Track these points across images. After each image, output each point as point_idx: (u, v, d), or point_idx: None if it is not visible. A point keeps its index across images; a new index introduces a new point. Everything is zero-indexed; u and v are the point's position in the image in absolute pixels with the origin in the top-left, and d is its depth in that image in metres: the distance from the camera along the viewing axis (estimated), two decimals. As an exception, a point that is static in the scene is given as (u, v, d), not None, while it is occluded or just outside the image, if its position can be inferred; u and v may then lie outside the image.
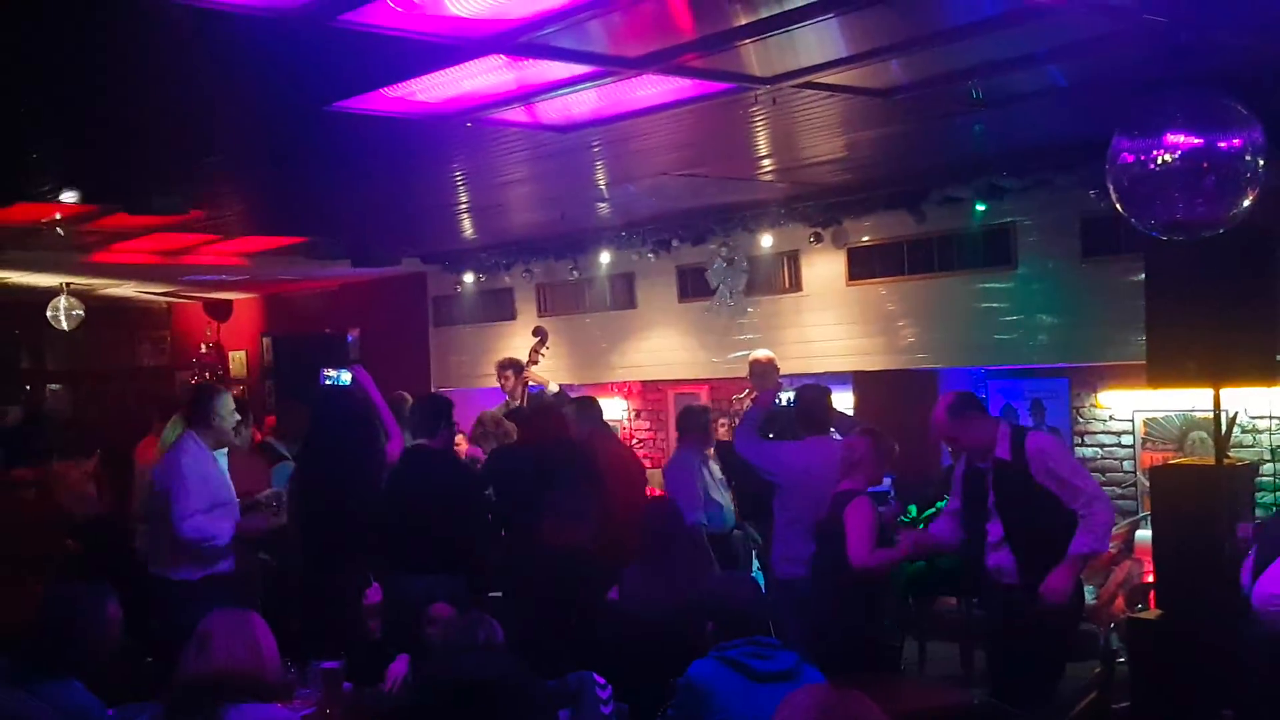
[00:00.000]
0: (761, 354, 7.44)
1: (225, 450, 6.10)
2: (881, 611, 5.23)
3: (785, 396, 6.70)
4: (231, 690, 3.17)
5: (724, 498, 6.97)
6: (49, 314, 10.90)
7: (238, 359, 13.85)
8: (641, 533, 5.33)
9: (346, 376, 6.07)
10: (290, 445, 7.11)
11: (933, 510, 6.73)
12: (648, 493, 7.21)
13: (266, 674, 3.29)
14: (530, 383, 8.42)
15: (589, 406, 7.11)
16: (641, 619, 4.85)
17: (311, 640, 4.91)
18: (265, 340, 13.44)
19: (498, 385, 8.61)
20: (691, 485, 6.74)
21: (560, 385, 8.65)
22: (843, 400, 8.09)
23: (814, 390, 6.21)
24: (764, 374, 7.20)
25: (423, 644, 4.50)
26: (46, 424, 10.01)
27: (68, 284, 10.81)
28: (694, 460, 6.90)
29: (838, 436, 6.06)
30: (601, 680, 4.10)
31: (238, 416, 6.12)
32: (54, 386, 13.77)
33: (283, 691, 3.50)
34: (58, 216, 7.43)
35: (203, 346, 13.95)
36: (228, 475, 5.94)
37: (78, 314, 10.93)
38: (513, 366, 8.42)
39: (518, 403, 8.23)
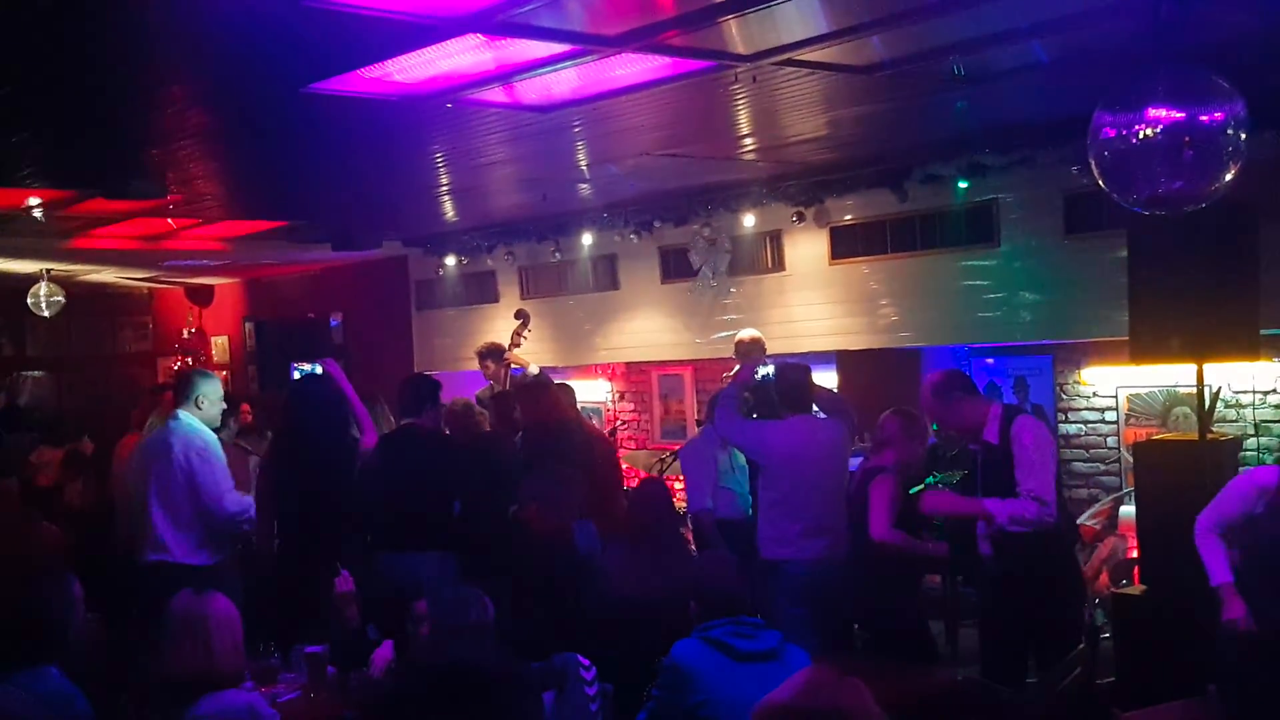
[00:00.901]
0: (747, 334, 7.42)
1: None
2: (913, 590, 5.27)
3: (763, 371, 6.64)
4: (185, 687, 3.26)
5: (739, 484, 6.74)
6: (29, 301, 10.83)
7: (220, 344, 13.79)
8: (630, 514, 5.32)
9: (318, 369, 6.05)
10: (260, 441, 7.14)
11: (919, 488, 6.72)
12: (621, 475, 7.22)
13: (218, 667, 3.37)
14: (512, 366, 8.40)
15: (567, 393, 7.12)
16: (626, 600, 4.85)
17: (292, 625, 4.90)
18: (248, 325, 13.38)
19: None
20: (705, 470, 6.56)
21: (540, 368, 8.62)
22: (826, 379, 8.09)
23: (794, 369, 6.18)
24: (749, 353, 7.17)
25: (408, 637, 4.48)
26: (25, 415, 9.97)
27: (48, 270, 10.73)
28: (712, 445, 6.68)
29: (820, 415, 6.04)
30: (585, 661, 4.10)
31: (223, 404, 6.12)
32: (35, 373, 13.69)
33: (237, 677, 3.53)
34: (36, 202, 7.36)
35: (185, 332, 13.87)
36: None
37: (58, 300, 10.86)
38: (492, 354, 8.37)
39: (501, 387, 8.21)
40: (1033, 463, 4.87)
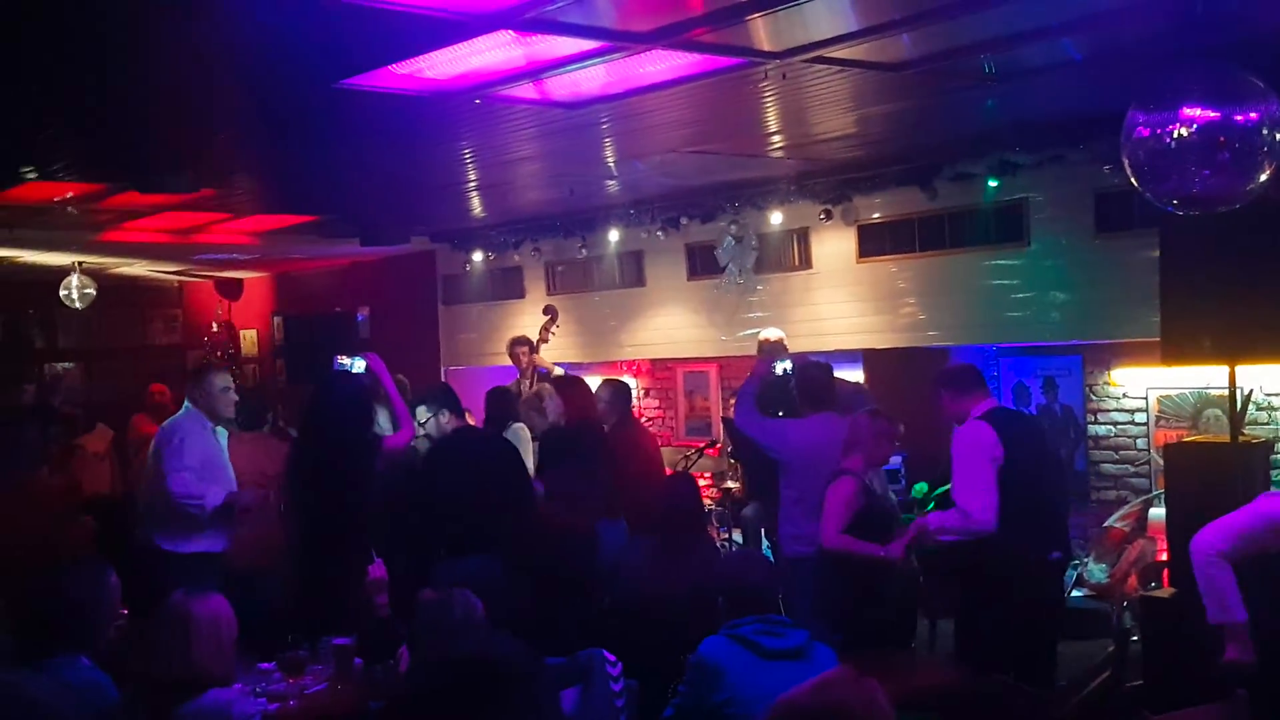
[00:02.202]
0: (771, 333, 7.41)
1: (225, 432, 6.31)
2: (882, 591, 5.22)
3: (781, 366, 6.62)
4: (168, 688, 3.29)
5: None
6: (61, 293, 10.92)
7: (249, 338, 13.87)
8: (660, 508, 5.31)
9: (360, 364, 6.06)
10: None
11: (946, 488, 6.70)
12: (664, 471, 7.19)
13: (199, 669, 3.41)
14: (538, 365, 8.42)
15: (617, 389, 7.11)
16: (653, 596, 4.85)
17: (319, 617, 4.92)
18: (276, 319, 13.46)
19: (507, 364, 8.61)
20: None
21: (564, 369, 8.62)
22: (853, 378, 8.06)
23: (816, 368, 6.16)
24: (773, 352, 7.16)
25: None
26: (53, 412, 10.11)
27: (79, 263, 10.82)
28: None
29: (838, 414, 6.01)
30: (612, 657, 4.09)
31: (233, 394, 6.22)
32: (66, 365, 13.82)
33: (224, 679, 3.54)
34: (69, 195, 7.43)
35: (214, 325, 13.96)
36: (226, 453, 6.18)
37: (89, 293, 10.95)
38: (527, 343, 8.44)
39: (527, 382, 8.23)
40: (959, 472, 5.09)
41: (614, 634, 4.38)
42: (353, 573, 5.33)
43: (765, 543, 7.31)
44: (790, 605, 5.23)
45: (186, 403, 6.19)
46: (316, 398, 6.18)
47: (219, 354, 13.28)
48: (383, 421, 6.33)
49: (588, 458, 6.02)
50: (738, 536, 7.94)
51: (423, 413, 6.24)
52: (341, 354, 6.13)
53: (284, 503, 5.92)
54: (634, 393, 10.49)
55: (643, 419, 10.29)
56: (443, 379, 10.64)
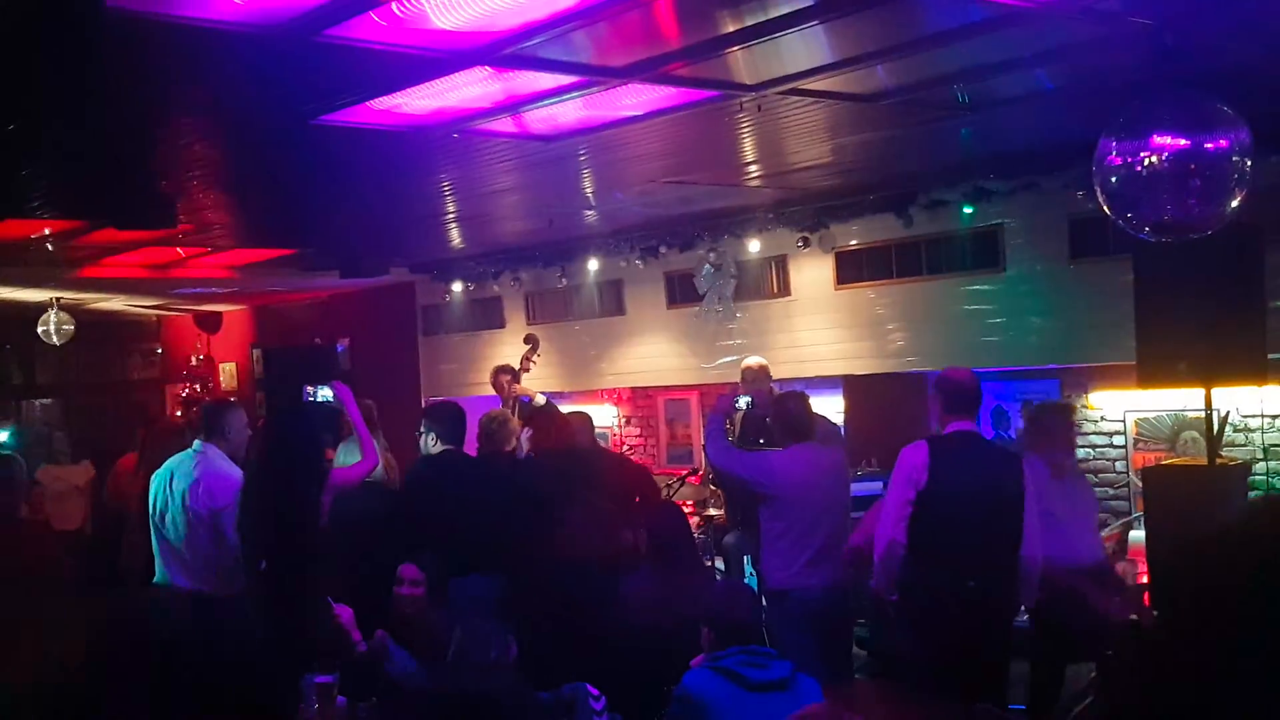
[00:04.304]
0: (754, 361, 7.42)
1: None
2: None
3: (744, 401, 6.62)
4: None
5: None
6: (40, 329, 10.86)
7: (228, 370, 13.82)
8: (649, 539, 5.30)
9: (327, 392, 6.04)
10: None
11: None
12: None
13: None
14: (520, 394, 8.41)
15: (584, 421, 7.10)
16: (640, 627, 4.83)
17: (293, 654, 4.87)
18: (255, 351, 13.41)
19: (488, 393, 8.59)
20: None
21: (546, 397, 8.61)
22: (833, 405, 8.10)
23: (792, 398, 6.11)
24: (756, 380, 7.18)
25: (392, 608, 4.71)
26: (30, 445, 10.01)
27: (58, 299, 10.77)
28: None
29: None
30: (595, 691, 4.09)
31: (249, 432, 6.15)
32: (44, 401, 13.73)
33: None
34: (46, 232, 7.41)
35: (193, 359, 13.91)
36: None
37: (68, 329, 10.89)
38: (510, 372, 8.43)
39: (511, 408, 8.21)
40: (890, 493, 5.05)
41: (600, 666, 4.37)
42: (309, 601, 5.28)
43: (749, 571, 7.30)
44: (774, 637, 5.22)
45: (201, 443, 5.87)
46: (269, 425, 6.15)
47: (197, 387, 13.21)
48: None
49: (594, 488, 6.01)
50: (720, 564, 7.92)
51: (421, 430, 6.28)
52: (313, 385, 6.11)
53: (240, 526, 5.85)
54: (615, 421, 10.51)
55: (624, 447, 10.30)
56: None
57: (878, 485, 6.99)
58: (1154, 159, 3.91)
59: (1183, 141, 3.93)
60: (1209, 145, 3.94)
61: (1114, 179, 4.05)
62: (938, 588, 4.82)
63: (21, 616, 3.63)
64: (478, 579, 5.64)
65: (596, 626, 4.92)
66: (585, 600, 5.01)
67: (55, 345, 11.04)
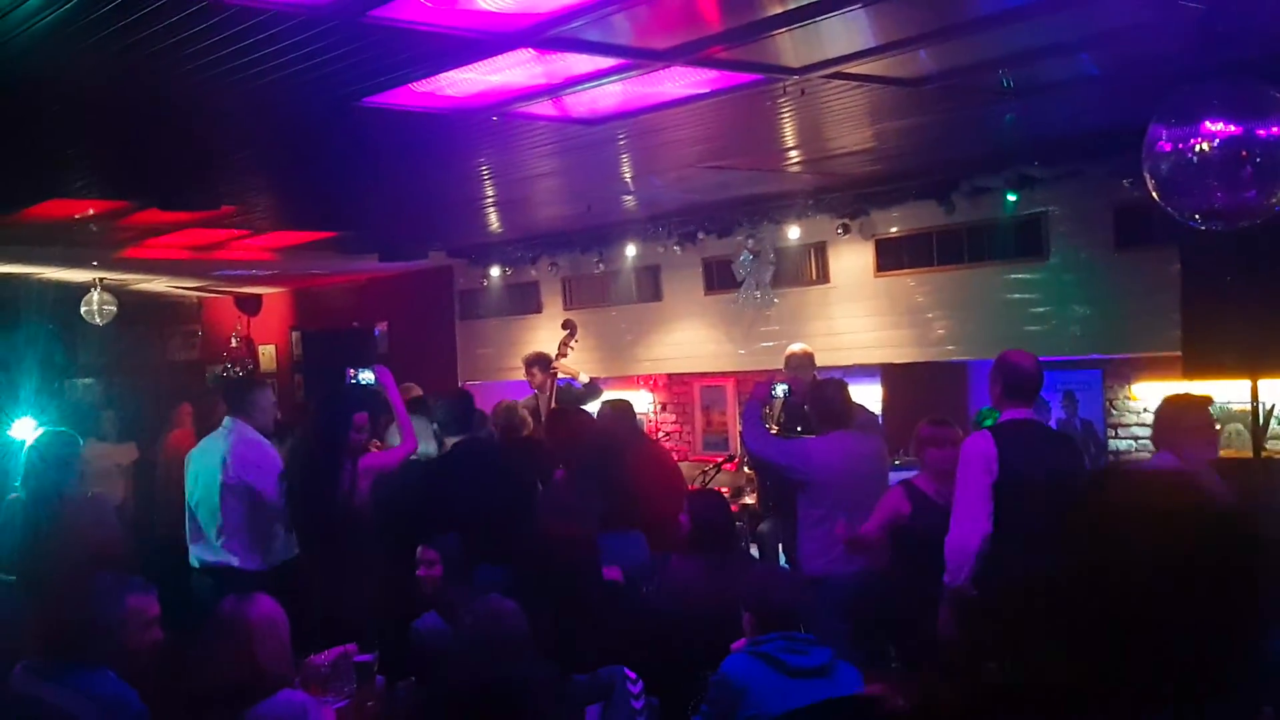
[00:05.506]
0: (798, 347, 7.39)
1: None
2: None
3: (781, 388, 6.59)
4: (234, 693, 3.30)
5: None
6: (83, 309, 10.98)
7: (267, 353, 13.93)
8: (690, 524, 5.29)
9: (369, 375, 6.10)
10: None
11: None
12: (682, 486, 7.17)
13: (264, 670, 3.44)
14: (560, 376, 8.41)
15: (621, 408, 7.08)
16: (678, 613, 4.83)
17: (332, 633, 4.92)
18: (294, 334, 13.52)
19: (525, 379, 8.61)
20: None
21: (591, 377, 8.62)
22: (871, 393, 8.05)
23: (831, 385, 6.11)
24: (799, 366, 7.15)
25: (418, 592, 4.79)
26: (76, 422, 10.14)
27: (101, 279, 10.89)
28: None
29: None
30: (633, 675, 4.09)
31: (278, 411, 6.26)
32: (85, 380, 13.88)
33: (285, 679, 3.57)
34: (91, 213, 7.49)
35: (233, 340, 14.02)
36: None
37: (111, 309, 11.01)
38: (538, 363, 8.38)
39: (547, 395, 8.23)
40: (958, 484, 4.86)
41: (637, 650, 4.37)
42: (349, 577, 5.33)
43: (783, 558, 7.28)
44: (811, 623, 5.20)
45: (231, 419, 6.03)
46: (315, 405, 6.24)
47: (237, 369, 13.33)
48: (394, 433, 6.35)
49: (584, 475, 6.02)
50: (755, 551, 7.91)
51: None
52: (355, 367, 6.18)
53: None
54: (651, 408, 10.50)
55: (659, 434, 10.29)
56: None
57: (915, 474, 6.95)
58: (1205, 146, 3.86)
59: (1234, 128, 3.88)
60: (1260, 132, 3.88)
61: (1164, 166, 4.00)
62: (1017, 578, 4.77)
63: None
64: (489, 568, 5.64)
65: (613, 612, 4.92)
66: (581, 585, 4.99)
67: (98, 325, 11.17)
